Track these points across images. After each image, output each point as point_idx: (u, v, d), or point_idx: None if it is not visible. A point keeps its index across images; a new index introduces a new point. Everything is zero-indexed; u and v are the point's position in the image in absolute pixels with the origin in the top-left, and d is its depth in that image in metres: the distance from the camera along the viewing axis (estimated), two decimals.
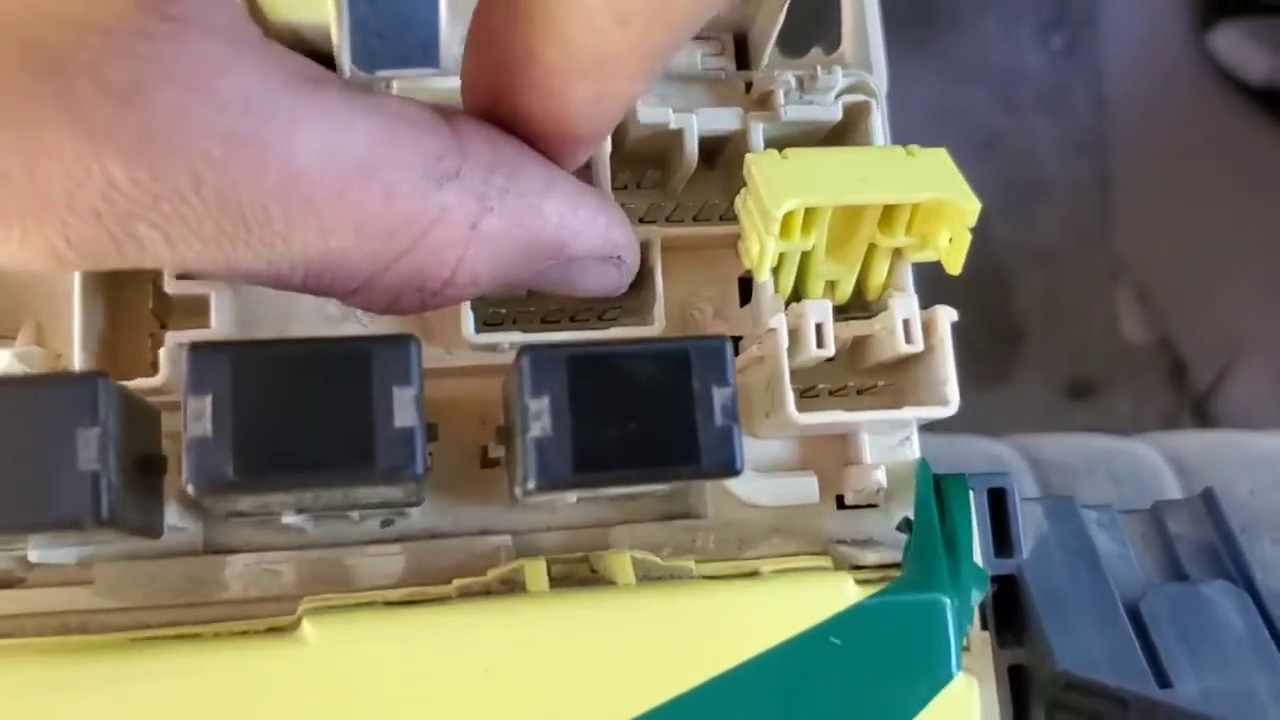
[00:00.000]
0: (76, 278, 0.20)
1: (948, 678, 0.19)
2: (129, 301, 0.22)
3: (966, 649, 0.23)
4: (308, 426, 0.16)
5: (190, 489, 0.16)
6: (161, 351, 0.20)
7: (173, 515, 0.20)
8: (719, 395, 0.17)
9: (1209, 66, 0.54)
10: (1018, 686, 0.23)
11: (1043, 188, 0.56)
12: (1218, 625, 0.23)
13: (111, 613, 0.20)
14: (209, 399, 0.16)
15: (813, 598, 0.19)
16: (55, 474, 0.15)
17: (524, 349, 0.17)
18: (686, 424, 0.17)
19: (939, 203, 0.20)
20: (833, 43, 0.26)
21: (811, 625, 0.19)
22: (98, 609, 0.20)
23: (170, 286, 0.21)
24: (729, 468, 0.17)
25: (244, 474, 0.16)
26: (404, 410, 0.16)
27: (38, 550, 0.19)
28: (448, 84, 0.22)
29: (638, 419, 0.17)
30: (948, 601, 0.20)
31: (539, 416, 0.17)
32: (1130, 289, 0.56)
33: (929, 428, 0.24)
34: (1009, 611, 0.23)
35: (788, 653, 0.19)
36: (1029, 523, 0.24)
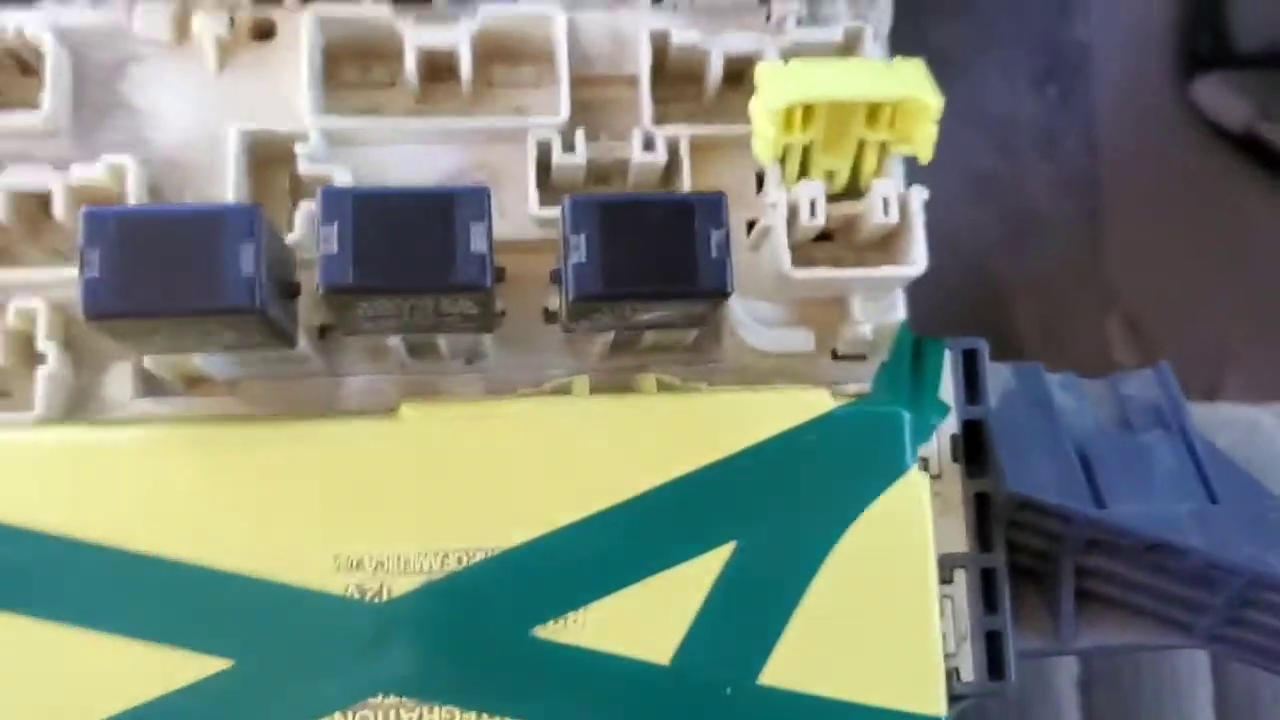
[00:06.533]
0: (231, 161, 0.26)
1: (903, 469, 0.24)
2: (271, 182, 0.28)
3: (939, 477, 0.27)
4: (407, 248, 0.22)
5: (321, 290, 0.21)
6: (296, 215, 0.26)
7: (306, 349, 0.25)
8: (715, 235, 0.22)
9: (1192, 114, 0.59)
10: (983, 511, 0.28)
11: (1037, 223, 0.60)
12: (1151, 462, 0.28)
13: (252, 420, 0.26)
14: (336, 226, 0.21)
15: (797, 404, 0.24)
16: (228, 272, 0.21)
17: (570, 197, 0.22)
18: (690, 255, 0.22)
19: (908, 100, 0.25)
20: None
21: (794, 425, 0.24)
22: (242, 415, 0.26)
23: (303, 167, 0.26)
24: (721, 288, 0.22)
25: (362, 279, 0.21)
26: (478, 240, 0.22)
27: (203, 359, 0.24)
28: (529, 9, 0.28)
29: (654, 251, 0.22)
30: (905, 414, 0.25)
31: (578, 247, 0.22)
32: (1120, 318, 0.59)
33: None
34: (976, 449, 0.28)
35: (775, 445, 0.24)
36: (999, 382, 0.29)
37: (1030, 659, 0.29)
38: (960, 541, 0.27)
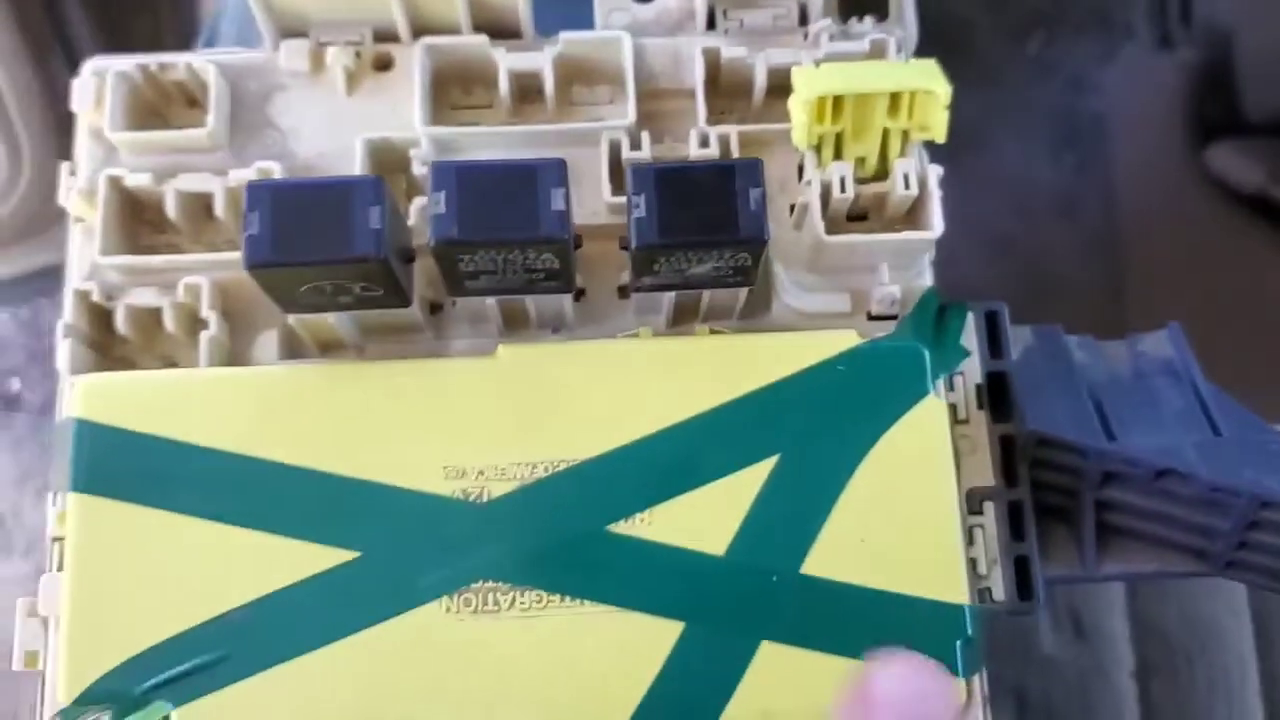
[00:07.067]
0: (358, 166, 0.32)
1: (923, 394, 0.28)
2: (391, 186, 0.33)
3: (966, 421, 0.31)
4: (501, 208, 0.26)
5: (431, 243, 0.26)
6: (411, 208, 0.31)
7: (419, 317, 0.30)
8: (753, 193, 0.27)
9: (1205, 179, 0.63)
10: (1008, 452, 0.31)
11: (1057, 286, 0.63)
12: (1160, 403, 0.31)
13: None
14: (444, 192, 0.26)
15: (827, 341, 0.28)
16: (358, 228, 0.26)
17: (631, 166, 0.27)
18: (732, 209, 0.27)
19: (921, 90, 0.30)
20: (883, 15, 0.36)
21: (825, 358, 0.28)
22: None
23: (416, 170, 0.32)
24: (759, 235, 0.26)
25: (464, 233, 0.26)
26: (557, 200, 0.26)
27: (336, 319, 0.30)
28: (602, 35, 0.33)
29: (701, 206, 0.27)
30: (925, 350, 0.29)
31: (638, 206, 0.27)
32: None
33: None
34: (1000, 398, 0.32)
35: (811, 374, 0.28)
36: (1020, 340, 0.33)
37: (1061, 585, 0.32)
38: (988, 478, 0.31)
